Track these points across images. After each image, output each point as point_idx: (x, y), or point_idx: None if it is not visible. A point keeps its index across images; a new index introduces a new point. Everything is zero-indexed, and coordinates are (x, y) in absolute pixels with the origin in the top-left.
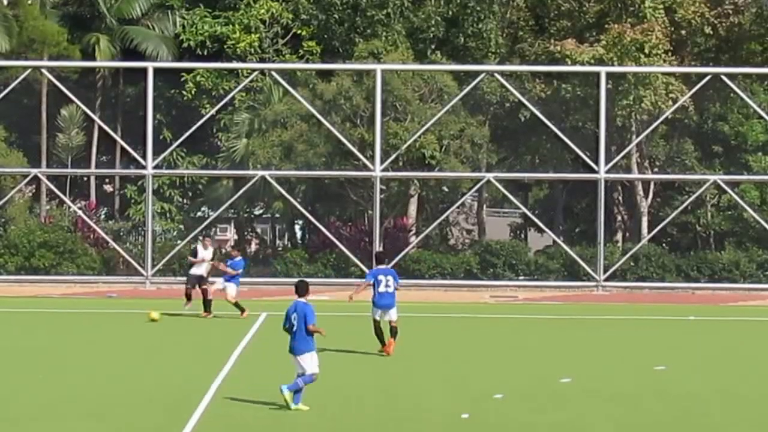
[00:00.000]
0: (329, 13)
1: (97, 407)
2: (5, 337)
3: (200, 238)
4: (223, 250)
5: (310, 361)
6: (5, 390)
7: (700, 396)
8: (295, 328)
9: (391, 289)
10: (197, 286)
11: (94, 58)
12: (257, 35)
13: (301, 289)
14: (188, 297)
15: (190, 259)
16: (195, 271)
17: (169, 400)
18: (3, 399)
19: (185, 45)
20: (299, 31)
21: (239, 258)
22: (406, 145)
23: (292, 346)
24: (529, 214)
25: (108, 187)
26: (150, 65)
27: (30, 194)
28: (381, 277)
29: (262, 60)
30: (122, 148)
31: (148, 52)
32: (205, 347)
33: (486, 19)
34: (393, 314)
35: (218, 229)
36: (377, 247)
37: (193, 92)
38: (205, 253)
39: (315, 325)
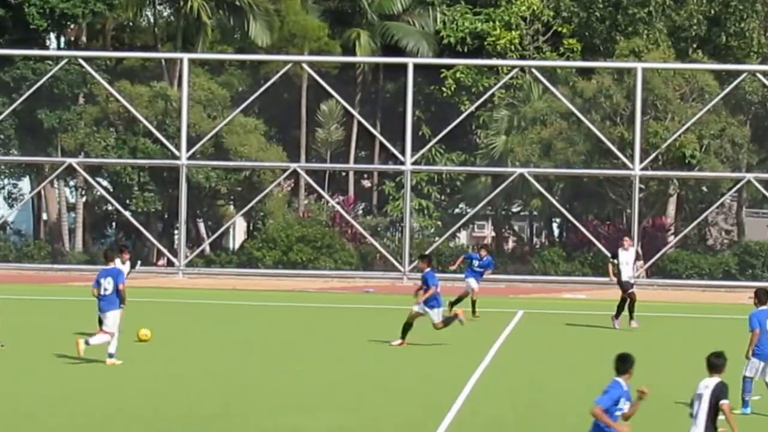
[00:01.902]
0: (590, 11)
1: (353, 400)
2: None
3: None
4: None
5: None
6: (265, 381)
7: None
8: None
9: None
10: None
11: (354, 54)
12: (518, 32)
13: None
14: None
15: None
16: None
17: (425, 395)
18: (262, 389)
19: (445, 41)
20: (560, 29)
21: (487, 257)
22: (665, 144)
23: None
24: None
25: (366, 183)
26: (410, 61)
27: (289, 189)
28: None
29: (522, 57)
30: (381, 144)
31: (408, 48)
32: (461, 344)
33: (749, 18)
34: None
35: (476, 226)
36: (636, 245)
37: (452, 89)
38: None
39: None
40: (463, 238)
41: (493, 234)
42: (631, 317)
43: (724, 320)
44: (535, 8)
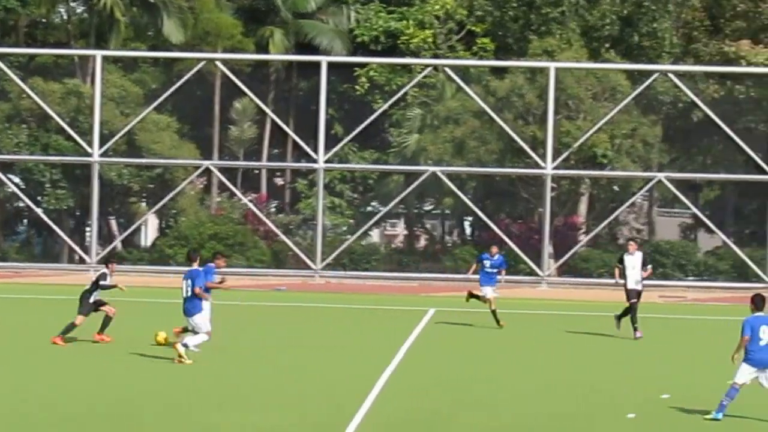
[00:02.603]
0: (504, 10)
1: (261, 400)
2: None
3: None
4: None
5: None
6: (168, 380)
7: None
8: None
9: None
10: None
11: (267, 52)
12: (431, 31)
13: None
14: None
15: None
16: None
17: (333, 396)
18: (166, 388)
19: (359, 40)
20: (473, 28)
21: (499, 255)
22: (578, 144)
23: None
24: (699, 214)
25: (279, 181)
26: (324, 59)
27: (201, 186)
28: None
29: (435, 56)
30: (294, 142)
31: (321, 46)
32: (373, 343)
33: (661, 18)
34: None
35: (388, 224)
36: (547, 244)
37: (365, 87)
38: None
39: None
40: (375, 236)
41: (406, 232)
42: (634, 328)
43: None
44: (449, 7)
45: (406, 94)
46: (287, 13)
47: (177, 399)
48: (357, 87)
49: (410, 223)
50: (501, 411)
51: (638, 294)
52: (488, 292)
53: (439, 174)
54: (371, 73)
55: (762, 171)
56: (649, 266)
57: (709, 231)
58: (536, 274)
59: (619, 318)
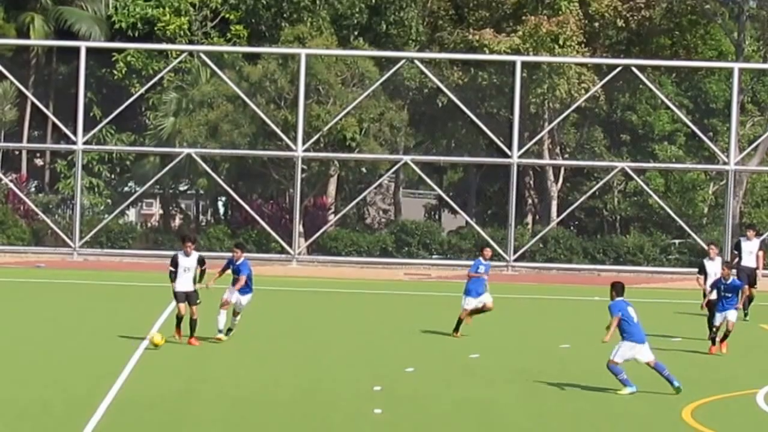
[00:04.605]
0: None
1: (31, 374)
2: None
3: None
4: None
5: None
6: None
7: (600, 373)
8: None
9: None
10: None
11: (28, 37)
12: (187, 18)
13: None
14: None
15: None
16: None
17: (95, 369)
18: None
19: (117, 26)
20: (227, 15)
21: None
22: (327, 127)
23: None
24: (443, 195)
25: (39, 162)
26: (83, 45)
27: None
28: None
29: (190, 42)
30: (53, 124)
31: (81, 32)
32: (128, 320)
33: (407, 7)
34: None
35: (144, 204)
36: (298, 224)
37: (123, 72)
38: None
39: None
40: (131, 215)
41: (161, 212)
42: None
43: (380, 295)
44: None
45: (162, 78)
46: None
47: None
48: (115, 72)
49: (166, 203)
50: (243, 381)
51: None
52: (488, 299)
53: (194, 156)
54: (129, 58)
55: (504, 154)
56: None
57: (453, 212)
58: (287, 252)
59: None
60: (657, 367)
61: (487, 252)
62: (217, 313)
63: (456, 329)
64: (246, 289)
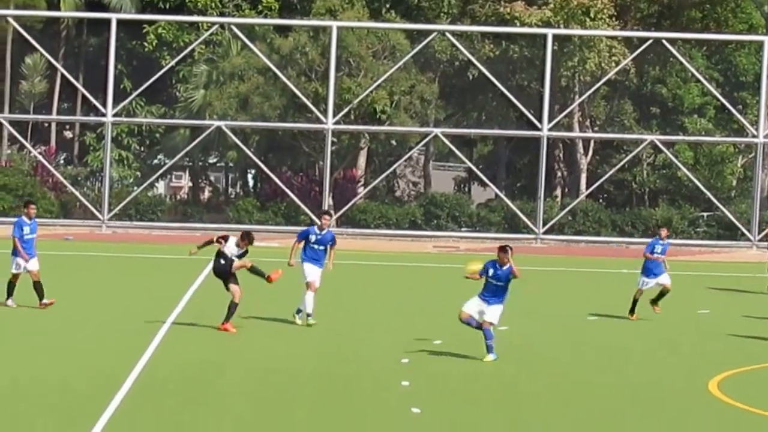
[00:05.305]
0: None
1: (60, 350)
2: None
3: None
4: None
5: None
6: None
7: (626, 345)
8: None
9: None
10: None
11: (59, 9)
12: None
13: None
14: None
15: None
16: None
17: (122, 343)
18: None
19: None
20: None
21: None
22: (358, 100)
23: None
24: (473, 168)
25: (68, 134)
26: (113, 17)
27: None
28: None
29: (221, 14)
30: (83, 97)
31: (111, 4)
32: (155, 293)
33: None
34: None
35: (173, 176)
36: (327, 196)
37: (154, 44)
38: None
39: None
40: (161, 188)
41: (191, 184)
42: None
43: (410, 267)
44: None
45: (192, 51)
46: None
47: None
48: (145, 44)
49: (195, 176)
50: (271, 354)
51: None
52: (666, 279)
53: (224, 128)
54: (159, 30)
55: (534, 127)
56: None
57: (483, 184)
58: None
59: None
60: None
61: (663, 231)
62: (304, 294)
63: (632, 311)
64: (320, 263)
